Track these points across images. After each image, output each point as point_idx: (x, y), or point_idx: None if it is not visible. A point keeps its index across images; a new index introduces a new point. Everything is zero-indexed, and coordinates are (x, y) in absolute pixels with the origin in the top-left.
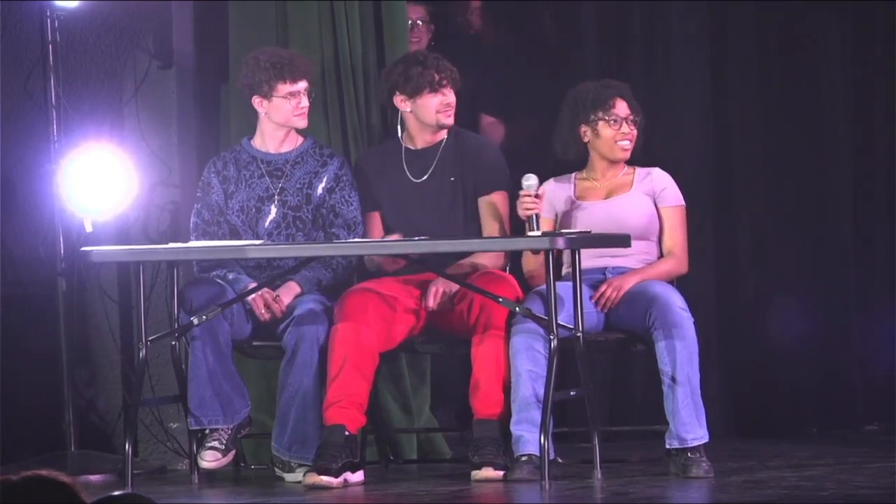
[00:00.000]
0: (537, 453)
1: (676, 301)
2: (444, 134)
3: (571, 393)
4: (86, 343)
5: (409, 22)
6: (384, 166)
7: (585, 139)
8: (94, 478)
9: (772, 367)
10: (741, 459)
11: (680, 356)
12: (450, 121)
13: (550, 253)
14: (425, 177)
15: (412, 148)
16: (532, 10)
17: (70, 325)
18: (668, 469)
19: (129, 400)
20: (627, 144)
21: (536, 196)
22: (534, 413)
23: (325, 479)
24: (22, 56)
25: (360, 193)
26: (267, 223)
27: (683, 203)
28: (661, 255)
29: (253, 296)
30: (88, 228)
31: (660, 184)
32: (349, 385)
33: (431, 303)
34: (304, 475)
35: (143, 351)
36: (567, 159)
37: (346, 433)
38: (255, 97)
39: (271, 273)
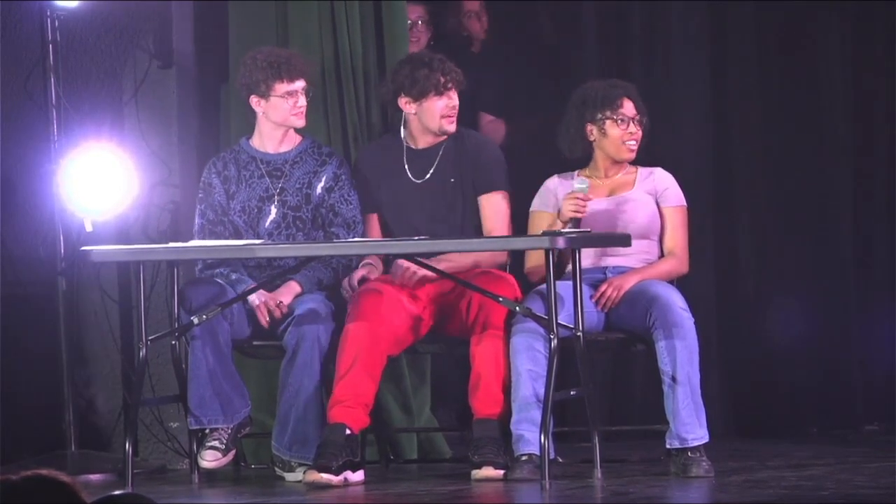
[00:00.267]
0: (537, 453)
1: (677, 301)
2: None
3: (572, 392)
4: (86, 343)
5: (409, 22)
6: (384, 165)
7: (591, 138)
8: (94, 477)
9: (772, 367)
10: (741, 459)
11: (680, 356)
12: (452, 128)
13: (551, 251)
14: (426, 177)
15: (413, 147)
16: (532, 10)
17: (70, 325)
18: (669, 469)
19: (129, 400)
20: (634, 145)
21: (584, 199)
22: (534, 412)
23: (325, 476)
24: (22, 56)
25: (360, 193)
26: (267, 223)
27: (685, 203)
28: (661, 255)
29: (257, 303)
30: (88, 228)
31: (662, 184)
32: (358, 385)
33: (397, 279)
34: (304, 473)
35: (144, 350)
36: (573, 157)
37: (348, 432)
38: (252, 97)
39: (271, 272)
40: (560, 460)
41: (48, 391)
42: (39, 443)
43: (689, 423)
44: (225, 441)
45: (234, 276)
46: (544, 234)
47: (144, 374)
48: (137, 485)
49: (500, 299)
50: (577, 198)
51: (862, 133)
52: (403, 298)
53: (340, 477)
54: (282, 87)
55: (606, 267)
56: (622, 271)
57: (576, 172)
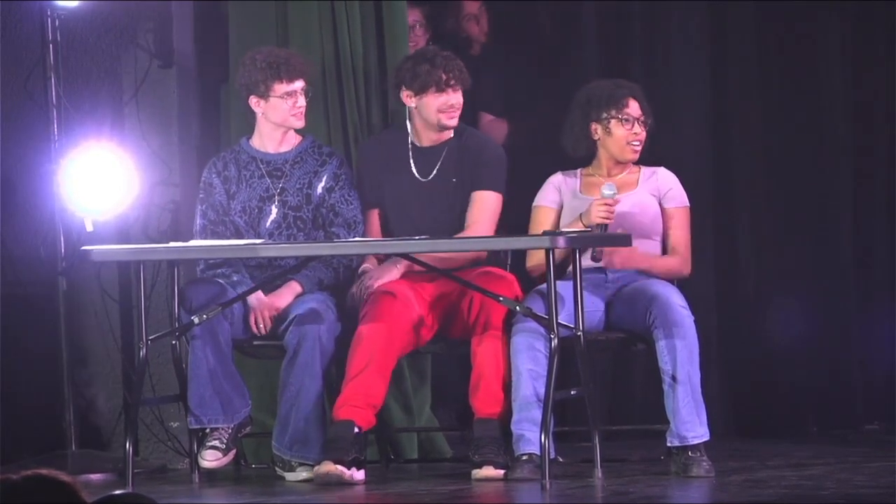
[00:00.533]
0: (538, 452)
1: (677, 300)
2: (449, 133)
3: (572, 392)
4: (86, 343)
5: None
6: (388, 160)
7: (595, 137)
8: (94, 477)
9: (772, 367)
10: (741, 459)
11: (680, 355)
12: (452, 122)
13: (552, 251)
14: (430, 176)
15: (419, 144)
16: (532, 10)
17: (70, 325)
18: (669, 468)
19: (129, 399)
20: (637, 145)
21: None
22: (534, 412)
23: (340, 468)
24: (22, 56)
25: (362, 186)
26: (268, 223)
27: (688, 204)
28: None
29: (255, 312)
30: (89, 228)
31: (665, 184)
32: (370, 386)
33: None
34: (316, 465)
35: (144, 350)
36: (576, 156)
37: (356, 430)
38: (251, 97)
39: (272, 272)
40: (560, 460)
41: (48, 391)
42: (39, 443)
43: (690, 422)
44: (225, 441)
45: (235, 278)
46: (545, 233)
47: (145, 373)
48: (138, 484)
49: (501, 299)
50: (607, 203)
51: (862, 133)
52: (413, 301)
53: (351, 473)
54: (281, 88)
55: (607, 267)
56: (623, 270)
57: (579, 171)
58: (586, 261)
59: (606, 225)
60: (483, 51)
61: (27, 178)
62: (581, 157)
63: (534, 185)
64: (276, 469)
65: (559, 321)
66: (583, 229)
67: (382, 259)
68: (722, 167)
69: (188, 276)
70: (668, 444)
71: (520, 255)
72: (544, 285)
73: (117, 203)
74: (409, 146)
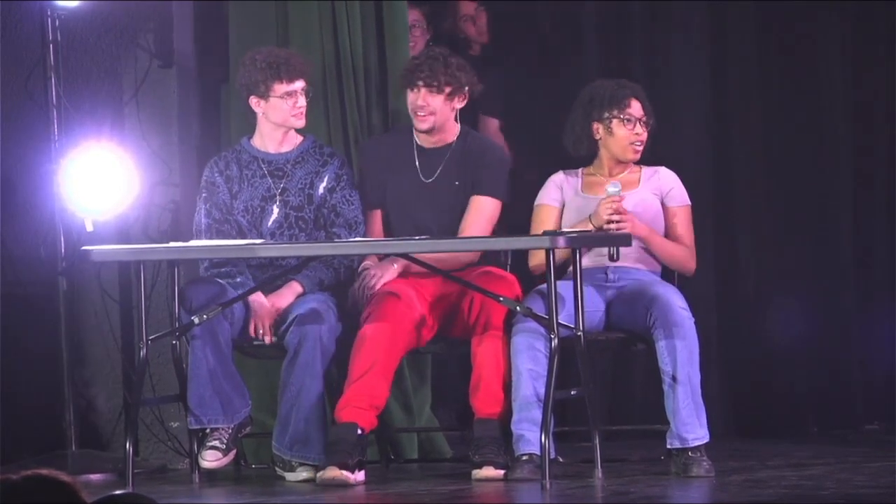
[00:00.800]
0: (538, 452)
1: (677, 301)
2: (454, 136)
3: (572, 392)
4: (86, 343)
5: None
6: (392, 160)
7: (597, 136)
8: (94, 477)
9: (772, 367)
10: (741, 459)
11: (680, 355)
12: (422, 125)
13: (552, 251)
14: (433, 177)
15: (422, 145)
16: (532, 10)
17: (70, 325)
18: (669, 468)
19: (129, 399)
20: (639, 146)
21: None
22: (534, 412)
23: (345, 473)
24: (22, 56)
25: (364, 186)
26: (270, 223)
27: (689, 203)
28: None
29: (255, 319)
30: (89, 228)
31: (667, 184)
32: (373, 388)
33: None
34: (319, 472)
35: (144, 350)
36: (577, 155)
37: (359, 432)
38: (252, 97)
39: (273, 272)
40: (560, 460)
41: (48, 391)
42: (39, 443)
43: (690, 423)
44: (225, 441)
45: (238, 279)
46: (545, 233)
47: (145, 373)
48: (138, 484)
49: (501, 299)
50: (613, 201)
51: (862, 133)
52: (415, 301)
53: (356, 475)
54: (281, 88)
55: (608, 267)
56: (624, 271)
57: (580, 170)
58: (604, 259)
59: (617, 222)
60: (482, 51)
61: (27, 178)
62: (582, 156)
63: (533, 185)
64: (277, 469)
65: (559, 321)
66: (590, 229)
67: (382, 258)
68: (722, 167)
69: (188, 276)
70: (668, 446)
71: (520, 255)
72: (544, 285)
73: (117, 203)
74: (414, 147)
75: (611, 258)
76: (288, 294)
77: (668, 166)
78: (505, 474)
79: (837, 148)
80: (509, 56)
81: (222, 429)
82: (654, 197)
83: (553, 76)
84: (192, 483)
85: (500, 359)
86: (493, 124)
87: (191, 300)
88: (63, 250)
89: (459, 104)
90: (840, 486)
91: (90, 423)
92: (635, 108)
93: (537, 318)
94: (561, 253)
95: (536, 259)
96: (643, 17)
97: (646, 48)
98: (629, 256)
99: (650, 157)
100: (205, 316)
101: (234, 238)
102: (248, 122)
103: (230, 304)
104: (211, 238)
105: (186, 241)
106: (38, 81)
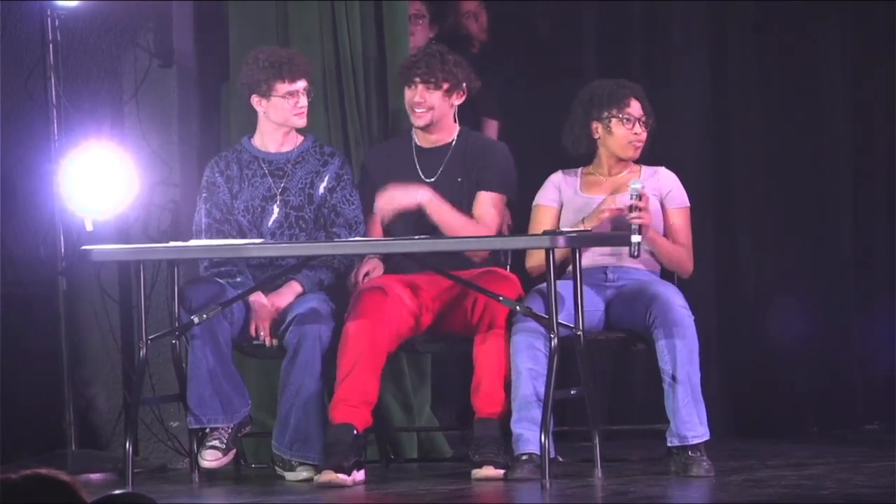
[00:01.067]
0: (538, 452)
1: (677, 300)
2: (453, 135)
3: (572, 392)
4: (86, 343)
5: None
6: (393, 164)
7: (596, 136)
8: (94, 477)
9: (772, 367)
10: (741, 459)
11: (680, 354)
12: (419, 121)
13: (552, 250)
14: (435, 176)
15: (421, 146)
16: (532, 10)
17: (70, 325)
18: (669, 468)
19: (129, 399)
20: (639, 145)
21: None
22: (534, 412)
23: (341, 476)
24: (22, 56)
25: (366, 192)
26: (270, 223)
27: (689, 204)
28: None
29: (255, 320)
30: (89, 227)
31: (666, 185)
32: (362, 384)
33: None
34: (317, 473)
35: (144, 350)
36: (576, 154)
37: (355, 432)
38: (253, 96)
39: (273, 272)
40: (560, 459)
41: (48, 391)
42: (39, 443)
43: (690, 421)
44: (225, 440)
45: (239, 279)
46: (545, 233)
47: (144, 373)
48: (138, 484)
49: (501, 299)
50: (639, 207)
51: (862, 133)
52: (405, 295)
53: (352, 477)
54: (283, 88)
55: (607, 266)
56: (624, 271)
57: (579, 169)
58: (604, 259)
59: (641, 225)
60: (482, 50)
61: (27, 178)
62: (581, 155)
63: (533, 185)
64: (276, 469)
65: (559, 321)
66: (586, 229)
67: (383, 259)
68: (722, 167)
69: (188, 275)
70: (668, 444)
71: (520, 254)
72: (544, 285)
73: (117, 203)
74: (413, 148)
75: (631, 255)
76: (288, 294)
77: (668, 166)
78: (505, 474)
79: (837, 148)
80: (509, 56)
81: (222, 428)
82: (652, 197)
83: (553, 76)
84: (192, 483)
85: (503, 359)
86: (494, 126)
87: (190, 300)
88: (63, 250)
89: (458, 101)
90: (840, 485)
91: (90, 423)
92: (634, 107)
93: (537, 318)
94: (560, 252)
95: (533, 260)
96: (643, 17)
97: (646, 48)
98: (629, 256)
99: (650, 157)
100: (204, 315)
101: (235, 238)
102: (249, 122)
103: (230, 304)
104: (211, 238)
105: (186, 240)
106: (38, 81)
